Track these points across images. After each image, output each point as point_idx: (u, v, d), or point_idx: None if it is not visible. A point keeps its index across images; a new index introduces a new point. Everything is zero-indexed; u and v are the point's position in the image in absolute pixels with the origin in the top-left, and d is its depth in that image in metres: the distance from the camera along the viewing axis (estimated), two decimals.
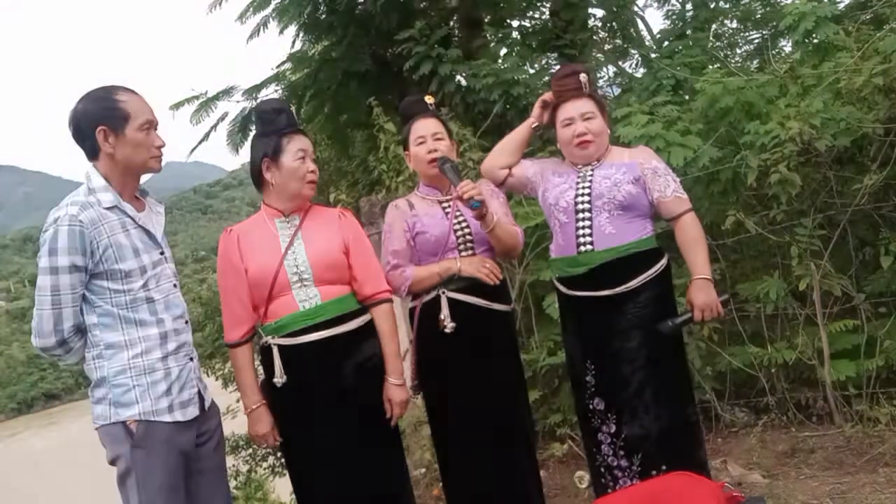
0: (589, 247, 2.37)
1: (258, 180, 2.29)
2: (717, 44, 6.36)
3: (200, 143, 8.47)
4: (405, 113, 2.62)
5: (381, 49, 6.94)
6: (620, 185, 2.36)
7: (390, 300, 2.36)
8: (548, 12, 7.16)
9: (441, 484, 2.77)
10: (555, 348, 3.61)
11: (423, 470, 3.85)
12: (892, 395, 3.18)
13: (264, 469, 7.52)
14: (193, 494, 2.07)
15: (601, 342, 2.39)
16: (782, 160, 3.09)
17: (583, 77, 2.45)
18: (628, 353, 2.35)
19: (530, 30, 7.14)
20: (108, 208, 1.95)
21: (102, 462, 2.01)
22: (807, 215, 3.27)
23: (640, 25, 7.84)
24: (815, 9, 3.65)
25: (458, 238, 2.47)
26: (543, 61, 7.15)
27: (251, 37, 7.79)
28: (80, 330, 1.98)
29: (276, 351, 2.18)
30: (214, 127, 7.96)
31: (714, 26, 6.57)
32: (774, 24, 5.82)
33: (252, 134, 2.49)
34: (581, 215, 2.40)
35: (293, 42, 7.93)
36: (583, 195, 2.41)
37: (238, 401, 2.81)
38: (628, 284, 2.33)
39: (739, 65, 5.91)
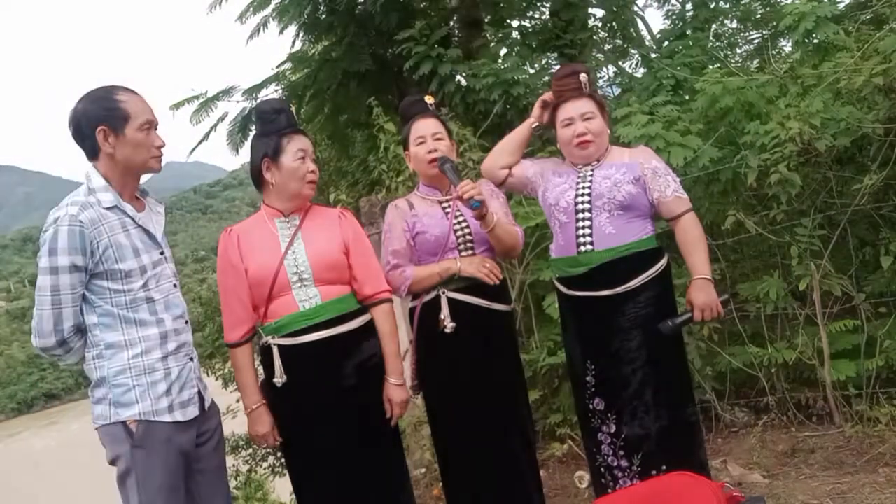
0: (589, 247, 2.37)
1: (258, 180, 2.29)
2: (717, 44, 6.35)
3: (200, 143, 8.47)
4: (405, 113, 2.62)
5: (381, 49, 6.93)
6: (620, 185, 2.36)
7: (390, 300, 2.36)
8: (548, 12, 7.15)
9: (441, 484, 2.77)
10: (555, 348, 3.61)
11: (423, 470, 3.86)
12: (892, 395, 3.18)
13: (264, 469, 7.52)
14: (193, 494, 2.08)
15: (601, 342, 2.39)
16: (782, 160, 3.09)
17: (583, 77, 2.45)
18: (628, 353, 2.35)
19: (530, 30, 7.13)
20: (108, 208, 1.95)
21: (102, 462, 2.01)
22: (807, 215, 3.27)
23: (640, 25, 7.84)
24: (815, 9, 3.64)
25: (458, 238, 2.47)
26: (543, 61, 7.14)
27: (251, 37, 7.78)
28: (80, 330, 1.98)
29: (276, 351, 2.18)
30: (214, 127, 7.96)
31: (714, 26, 6.56)
32: (774, 24, 5.81)
33: (252, 134, 2.49)
34: (581, 215, 2.40)
35: (293, 42, 7.92)
36: (583, 195, 2.41)
37: (238, 401, 2.81)
38: (628, 284, 2.33)
39: (739, 65, 5.91)
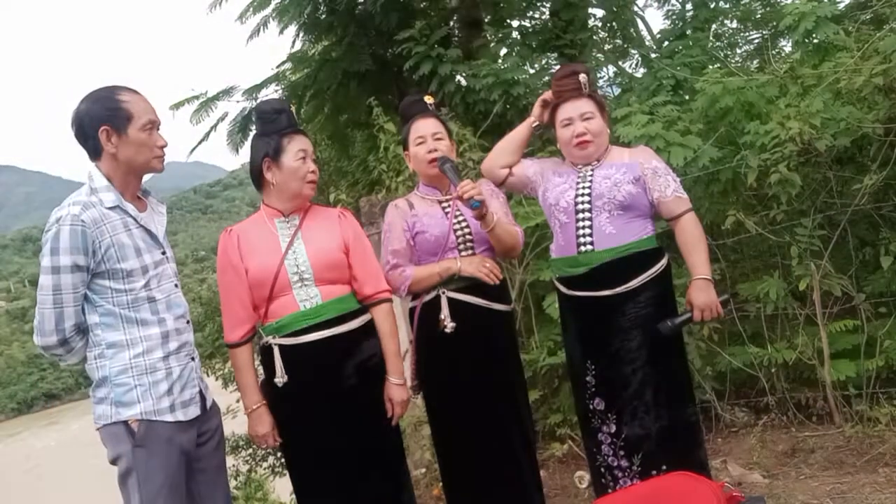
0: (589, 247, 2.37)
1: (258, 180, 2.29)
2: (717, 44, 6.35)
3: (200, 143, 8.47)
4: (405, 113, 2.62)
5: (381, 49, 6.93)
6: (620, 185, 2.36)
7: (390, 300, 2.37)
8: (548, 12, 7.15)
9: (441, 484, 2.77)
10: (555, 348, 3.61)
11: (423, 470, 3.86)
12: (892, 395, 3.18)
13: (264, 469, 7.52)
14: (193, 494, 2.08)
15: (601, 342, 2.39)
16: (782, 160, 3.09)
17: (582, 77, 2.45)
18: (628, 353, 2.35)
19: (530, 30, 7.13)
20: (110, 208, 1.96)
21: (102, 462, 2.01)
22: (807, 215, 3.27)
23: (640, 25, 7.84)
24: (815, 9, 3.65)
25: (457, 238, 2.47)
26: (543, 61, 7.14)
27: (251, 37, 7.78)
28: (82, 329, 1.98)
29: (276, 351, 2.18)
30: (214, 127, 7.96)
31: (714, 26, 6.56)
32: (774, 24, 5.82)
33: (252, 134, 2.49)
34: (581, 215, 2.40)
35: (293, 42, 7.92)
36: (583, 195, 2.41)
37: (238, 401, 2.81)
38: (628, 284, 2.33)
39: (739, 65, 5.91)
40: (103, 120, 1.95)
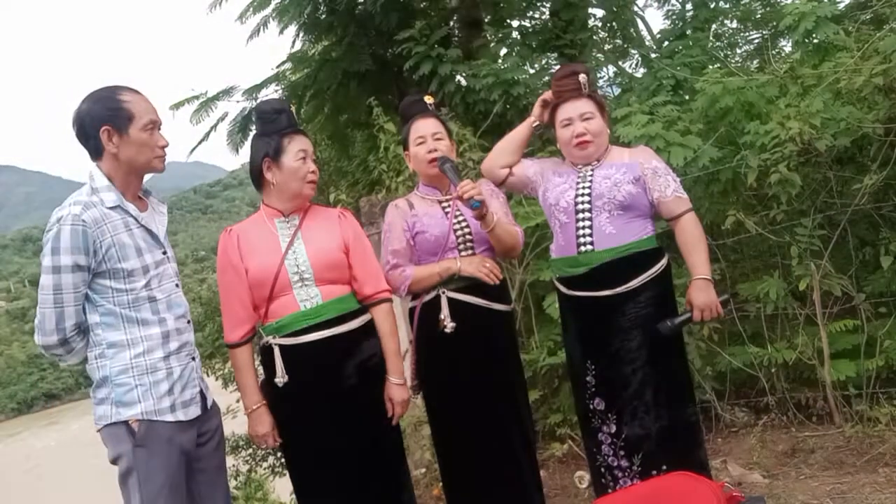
0: (589, 247, 2.37)
1: (258, 180, 2.29)
2: (717, 44, 6.35)
3: (200, 143, 8.47)
4: (405, 113, 2.62)
5: (381, 49, 6.93)
6: (620, 185, 2.36)
7: (390, 300, 2.37)
8: (548, 12, 7.15)
9: (441, 484, 2.77)
10: (555, 348, 3.61)
11: (423, 470, 3.86)
12: (892, 395, 3.18)
13: (264, 469, 7.52)
14: (193, 494, 2.08)
15: (601, 342, 2.39)
16: (782, 160, 3.09)
17: (582, 77, 2.45)
18: (628, 353, 2.35)
19: (530, 30, 7.13)
20: (111, 208, 1.96)
21: (102, 462, 2.01)
22: (807, 215, 3.27)
23: (640, 25, 7.84)
24: (815, 9, 3.65)
25: (457, 238, 2.47)
26: (543, 61, 7.14)
27: (251, 37, 7.78)
28: (83, 329, 1.98)
29: (277, 351, 2.18)
30: (214, 127, 7.95)
31: (714, 26, 6.56)
32: (774, 24, 5.82)
33: (252, 134, 2.49)
34: (581, 215, 2.40)
35: (293, 42, 7.92)
36: (583, 195, 2.41)
37: (238, 401, 2.81)
38: (628, 284, 2.33)
39: (739, 65, 5.91)
40: (104, 120, 1.95)
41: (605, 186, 2.38)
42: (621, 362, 2.35)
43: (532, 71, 6.47)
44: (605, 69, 7.36)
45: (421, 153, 2.50)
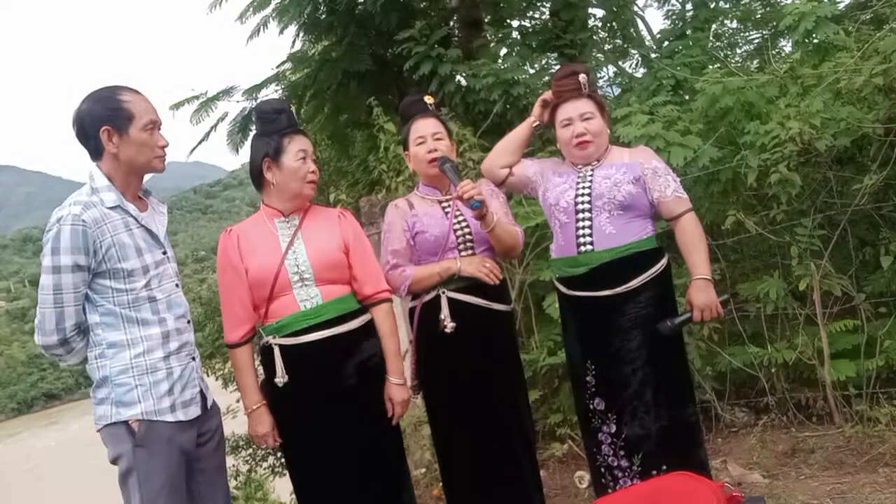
0: (589, 247, 2.37)
1: (258, 180, 2.29)
2: (717, 44, 6.35)
3: (200, 143, 8.47)
4: (405, 113, 2.62)
5: (381, 49, 6.93)
6: (620, 185, 2.36)
7: (390, 300, 2.37)
8: (548, 12, 7.15)
9: (441, 484, 2.77)
10: (555, 348, 3.61)
11: (423, 470, 3.86)
12: (892, 395, 3.18)
13: (264, 469, 7.52)
14: (193, 494, 2.08)
15: (601, 342, 2.39)
16: (782, 160, 3.09)
17: (582, 77, 2.45)
18: (628, 353, 2.35)
19: (530, 30, 7.14)
20: (110, 208, 1.96)
21: (102, 462, 2.01)
22: (807, 215, 3.27)
23: (640, 25, 7.84)
24: (815, 9, 3.65)
25: (457, 238, 2.47)
26: (543, 61, 7.14)
27: (251, 37, 7.78)
28: (83, 329, 1.98)
29: (277, 351, 2.18)
30: (214, 127, 7.95)
31: (714, 26, 6.56)
32: (774, 24, 5.82)
33: (252, 134, 2.50)
34: (581, 215, 2.40)
35: (293, 42, 7.93)
36: (583, 195, 2.41)
37: (238, 401, 2.81)
38: (628, 284, 2.33)
39: (739, 65, 5.91)
40: (104, 120, 1.95)
41: (605, 186, 2.38)
42: (621, 362, 2.35)
43: (532, 71, 6.47)
44: (605, 69, 7.37)
45: (421, 153, 2.50)
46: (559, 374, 3.74)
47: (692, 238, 2.38)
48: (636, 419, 2.34)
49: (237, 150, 7.89)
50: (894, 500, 2.57)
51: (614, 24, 7.58)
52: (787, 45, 5.26)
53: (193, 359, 2.11)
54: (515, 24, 7.34)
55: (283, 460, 3.86)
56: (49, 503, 26.89)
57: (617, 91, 6.66)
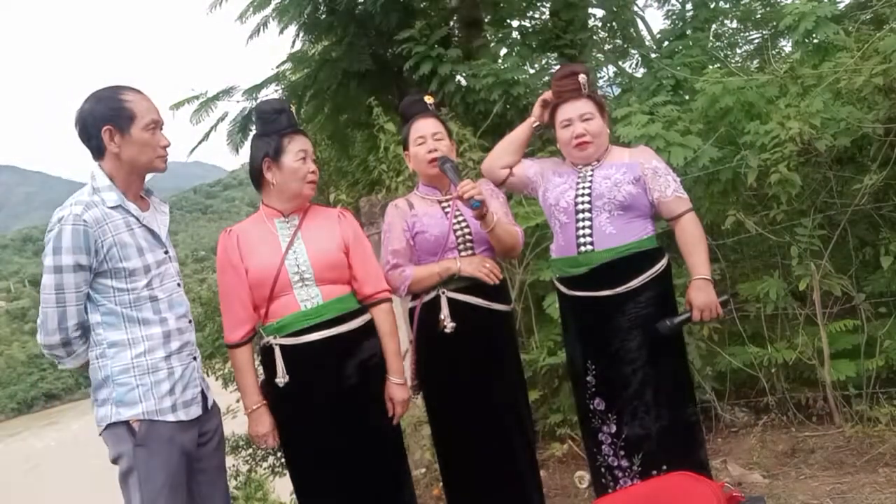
0: (589, 247, 2.37)
1: (258, 181, 2.29)
2: (717, 44, 6.35)
3: (200, 143, 8.46)
4: (405, 113, 2.62)
5: (381, 49, 6.93)
6: (621, 186, 2.36)
7: (390, 300, 2.37)
8: (548, 12, 7.15)
9: (441, 484, 2.77)
10: (555, 348, 3.61)
11: (423, 470, 3.86)
12: (892, 395, 3.18)
13: (264, 469, 7.51)
14: (194, 494, 2.09)
15: (602, 342, 2.39)
16: (782, 160, 3.09)
17: (581, 78, 2.44)
18: (629, 353, 2.35)
19: (530, 30, 7.13)
20: (112, 207, 1.96)
21: (102, 462, 2.01)
22: (807, 215, 3.27)
23: (640, 25, 7.84)
24: (815, 9, 3.64)
25: (457, 238, 2.47)
26: (543, 61, 7.13)
27: (251, 37, 7.78)
28: (85, 330, 1.98)
29: (277, 351, 2.18)
30: (214, 127, 7.95)
31: (714, 26, 6.56)
32: (774, 24, 5.82)
33: (252, 134, 2.50)
34: (581, 215, 2.40)
35: (293, 42, 7.92)
36: (583, 195, 2.41)
37: (238, 401, 2.81)
38: (629, 284, 2.33)
39: (739, 65, 5.91)
40: (106, 120, 1.95)
41: (605, 186, 2.38)
42: (621, 362, 2.35)
43: (532, 71, 6.47)
44: (605, 69, 7.36)
45: (421, 153, 2.50)
46: (559, 374, 3.74)
47: (692, 238, 2.38)
48: (636, 419, 2.34)
49: (237, 150, 7.89)
50: (894, 500, 2.57)
51: (614, 24, 7.58)
52: (787, 45, 5.27)
53: (195, 358, 2.11)
54: (515, 24, 7.34)
55: (283, 460, 3.86)
56: (49, 503, 26.88)
57: (617, 91, 6.66)
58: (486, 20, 7.05)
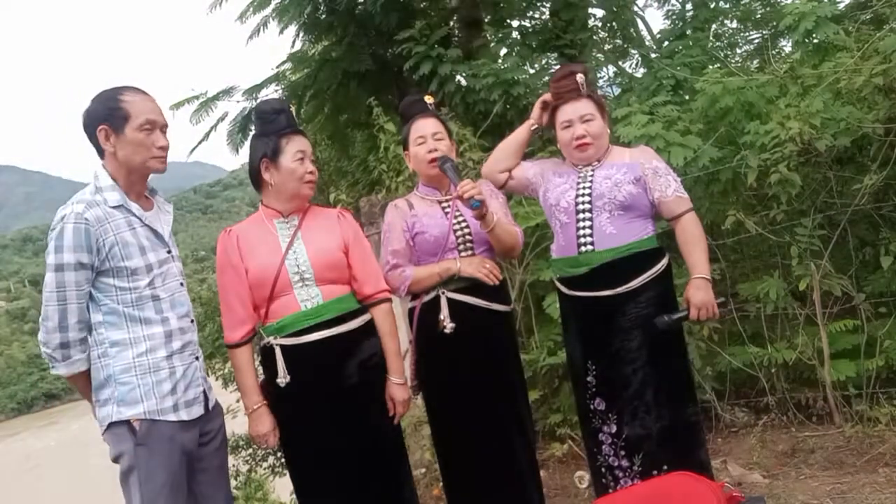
0: (590, 247, 2.37)
1: (257, 181, 2.29)
2: (717, 44, 6.36)
3: (200, 143, 8.48)
4: (405, 113, 2.62)
5: (381, 49, 6.94)
6: (621, 186, 2.36)
7: (390, 300, 2.37)
8: (548, 12, 7.16)
9: (441, 484, 2.77)
10: (555, 348, 3.61)
11: (423, 470, 3.86)
12: (892, 395, 3.18)
13: (264, 469, 7.51)
14: (195, 494, 2.09)
15: (602, 342, 2.39)
16: (782, 160, 3.09)
17: (580, 78, 2.44)
18: (629, 353, 2.35)
19: (530, 30, 7.14)
20: (114, 207, 1.97)
21: (103, 461, 2.01)
22: (807, 215, 3.27)
23: (640, 25, 7.85)
24: (815, 9, 3.65)
25: (457, 238, 2.47)
26: (543, 61, 7.15)
27: (251, 37, 7.79)
28: (87, 329, 1.98)
29: (278, 351, 2.18)
30: (214, 127, 7.97)
31: (714, 26, 6.57)
32: (774, 24, 5.83)
33: (252, 134, 2.50)
34: (582, 216, 2.40)
35: (293, 42, 7.94)
36: (583, 195, 2.41)
37: (238, 401, 2.81)
38: (629, 284, 2.33)
39: (739, 65, 5.91)
40: (102, 119, 1.96)
41: (605, 187, 2.38)
42: (622, 362, 2.35)
43: (532, 71, 6.48)
44: (605, 69, 7.38)
45: (421, 153, 2.50)
46: (559, 374, 3.74)
47: (692, 238, 2.38)
48: (637, 419, 2.34)
49: (237, 150, 7.90)
50: (894, 500, 2.57)
51: (614, 24, 7.59)
52: (787, 45, 5.27)
53: (197, 358, 2.11)
54: (515, 24, 7.35)
55: (283, 460, 3.86)
56: (49, 503, 26.88)
57: (617, 91, 6.66)
58: (486, 20, 7.05)
